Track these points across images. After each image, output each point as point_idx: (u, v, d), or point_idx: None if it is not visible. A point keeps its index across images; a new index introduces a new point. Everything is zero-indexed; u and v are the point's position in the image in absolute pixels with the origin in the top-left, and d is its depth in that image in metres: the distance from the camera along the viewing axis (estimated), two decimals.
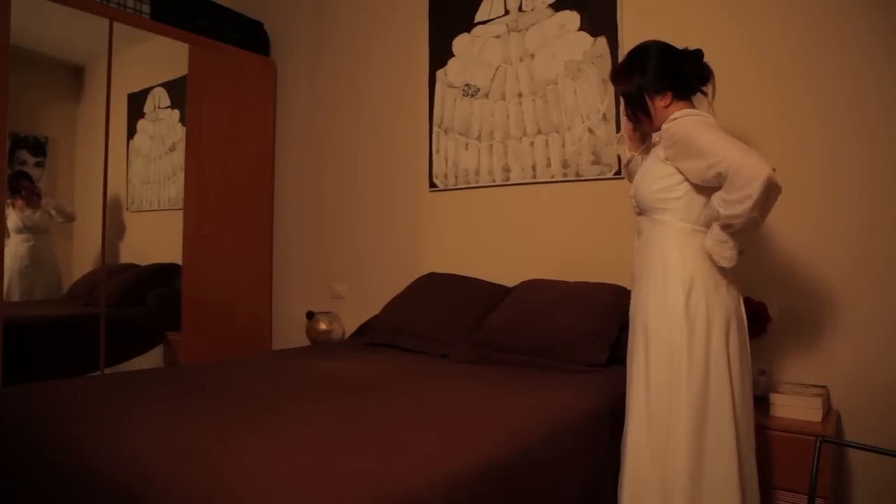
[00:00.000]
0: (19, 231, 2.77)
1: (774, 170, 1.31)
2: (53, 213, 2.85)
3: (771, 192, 1.32)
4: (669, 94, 1.55)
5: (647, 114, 1.58)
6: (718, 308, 1.44)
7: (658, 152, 1.55)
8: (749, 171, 1.30)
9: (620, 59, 2.31)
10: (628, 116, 1.66)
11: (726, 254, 1.42)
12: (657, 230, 1.52)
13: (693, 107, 1.58)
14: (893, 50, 1.85)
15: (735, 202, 1.33)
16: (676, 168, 1.48)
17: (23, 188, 2.75)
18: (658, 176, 1.52)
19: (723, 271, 1.49)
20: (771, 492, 1.70)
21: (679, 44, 1.62)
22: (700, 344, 1.42)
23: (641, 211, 1.59)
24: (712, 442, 1.40)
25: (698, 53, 1.58)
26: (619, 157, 2.35)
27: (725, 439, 1.39)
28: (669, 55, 1.57)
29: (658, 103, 1.56)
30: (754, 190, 1.29)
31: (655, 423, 1.42)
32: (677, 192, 1.49)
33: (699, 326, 1.42)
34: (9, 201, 2.68)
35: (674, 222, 1.49)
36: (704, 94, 1.61)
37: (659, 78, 1.55)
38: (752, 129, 2.06)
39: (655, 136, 1.66)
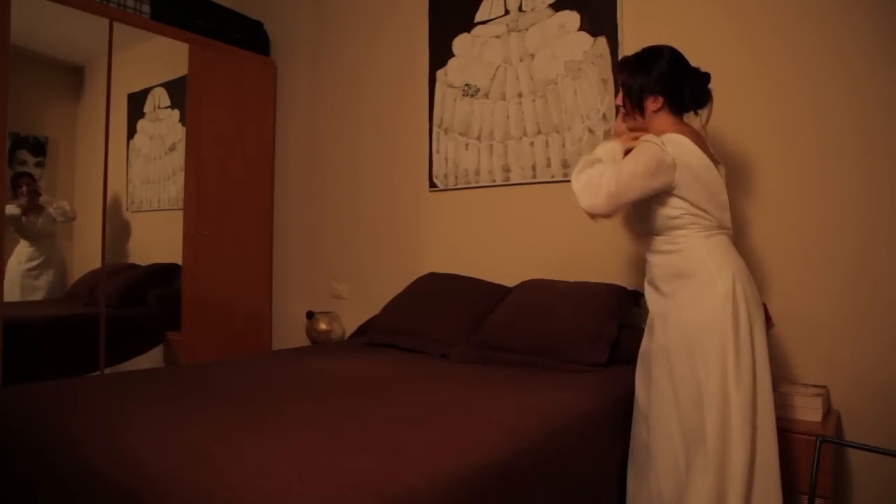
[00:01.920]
0: (24, 237, 2.77)
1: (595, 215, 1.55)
2: (52, 211, 2.85)
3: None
4: (661, 100, 1.57)
5: (639, 110, 1.61)
6: (756, 303, 1.48)
7: None
8: (599, 188, 1.51)
9: (624, 56, 2.32)
10: (621, 106, 1.68)
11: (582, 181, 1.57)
12: (682, 242, 1.53)
13: (681, 123, 1.60)
14: (891, 52, 1.85)
15: (590, 185, 1.54)
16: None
17: (24, 184, 2.75)
18: (658, 203, 1.53)
19: (747, 271, 1.53)
20: None
21: (678, 44, 1.63)
22: (746, 339, 1.44)
23: (655, 233, 1.60)
24: (761, 437, 1.43)
25: (706, 77, 1.60)
26: None
27: (770, 433, 1.43)
28: (679, 66, 1.59)
29: (649, 104, 1.59)
30: (584, 197, 1.54)
31: (711, 420, 1.42)
32: (678, 211, 1.51)
33: (743, 321, 1.44)
34: (12, 204, 2.68)
35: (692, 234, 1.51)
36: (696, 114, 1.63)
37: (659, 82, 1.57)
38: (751, 131, 2.06)
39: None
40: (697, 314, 1.47)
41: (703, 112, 1.62)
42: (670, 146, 1.48)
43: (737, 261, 1.52)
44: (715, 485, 1.39)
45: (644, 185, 1.47)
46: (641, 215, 1.61)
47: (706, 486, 1.39)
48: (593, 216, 1.55)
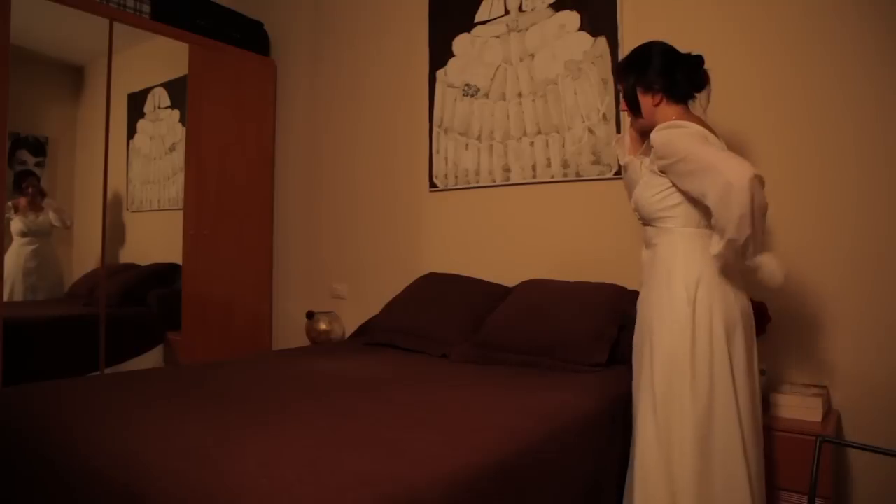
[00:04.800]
0: (22, 234, 2.77)
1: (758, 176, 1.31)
2: (52, 216, 2.85)
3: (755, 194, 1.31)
4: (660, 95, 1.57)
5: (637, 111, 1.62)
6: (722, 311, 1.43)
7: (653, 164, 1.56)
8: (735, 188, 1.29)
9: (620, 58, 2.33)
10: (625, 111, 1.69)
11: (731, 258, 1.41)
12: (663, 238, 1.53)
13: (687, 111, 1.59)
14: (891, 53, 1.85)
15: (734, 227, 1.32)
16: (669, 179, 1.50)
17: (30, 186, 2.75)
18: (655, 187, 1.53)
19: (729, 273, 1.49)
20: (771, 492, 1.70)
21: (677, 43, 1.63)
22: (703, 352, 1.41)
23: (646, 221, 1.60)
24: (720, 450, 1.39)
25: (698, 59, 1.59)
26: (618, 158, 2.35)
27: (733, 447, 1.39)
28: (669, 57, 1.59)
29: (648, 101, 1.59)
30: (744, 205, 1.28)
31: (662, 429, 1.42)
32: (675, 199, 1.50)
33: (702, 332, 1.42)
34: (11, 204, 2.68)
35: (677, 228, 1.50)
36: (695, 98, 1.62)
37: (654, 77, 1.57)
38: (751, 130, 2.06)
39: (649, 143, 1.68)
40: (657, 314, 1.47)
41: (703, 95, 1.62)
42: (684, 128, 1.47)
43: (711, 269, 1.45)
44: (662, 477, 1.39)
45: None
46: (640, 200, 1.59)
47: (652, 480, 1.40)
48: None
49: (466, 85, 2.80)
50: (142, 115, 3.16)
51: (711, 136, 1.49)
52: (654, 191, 1.53)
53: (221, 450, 1.11)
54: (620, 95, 1.69)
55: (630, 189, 1.79)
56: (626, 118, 2.31)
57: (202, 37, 3.24)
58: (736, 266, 1.46)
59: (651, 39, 1.65)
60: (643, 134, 1.73)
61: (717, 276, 1.46)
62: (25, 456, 1.32)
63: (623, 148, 1.79)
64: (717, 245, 1.39)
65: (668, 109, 1.57)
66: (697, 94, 1.61)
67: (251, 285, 3.51)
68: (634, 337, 1.60)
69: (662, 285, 1.48)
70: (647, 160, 1.71)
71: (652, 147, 1.52)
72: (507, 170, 2.67)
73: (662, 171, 1.50)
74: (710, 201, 1.35)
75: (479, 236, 2.77)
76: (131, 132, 3.10)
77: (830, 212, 1.94)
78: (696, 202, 1.47)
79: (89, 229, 2.89)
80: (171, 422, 1.30)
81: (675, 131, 1.47)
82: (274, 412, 1.39)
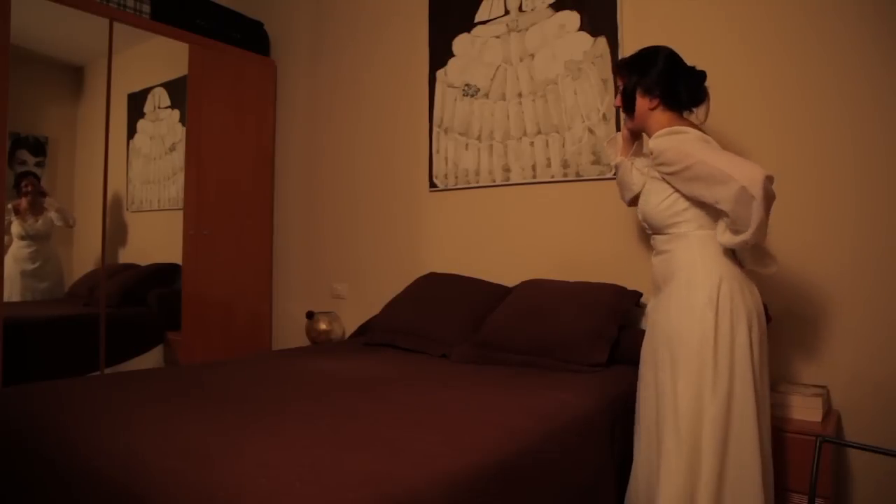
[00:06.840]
0: (22, 238, 2.77)
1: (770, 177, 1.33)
2: (54, 216, 2.84)
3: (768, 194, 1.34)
4: (658, 100, 1.57)
5: (631, 111, 1.62)
6: (743, 309, 1.44)
7: (653, 171, 1.56)
8: (751, 193, 1.30)
9: (623, 56, 2.32)
10: (619, 108, 1.69)
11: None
12: (677, 243, 1.52)
13: (680, 117, 1.59)
14: (890, 53, 1.85)
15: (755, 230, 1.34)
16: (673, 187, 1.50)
17: (29, 184, 2.75)
18: (660, 194, 1.53)
19: (745, 274, 1.50)
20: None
21: (677, 43, 1.63)
22: (725, 347, 1.40)
23: (656, 230, 1.59)
24: (735, 445, 1.39)
25: (702, 75, 1.60)
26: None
27: (749, 442, 1.38)
28: (674, 65, 1.59)
29: (645, 103, 1.59)
30: (759, 207, 1.30)
31: (684, 427, 1.40)
32: (684, 204, 1.50)
33: (724, 329, 1.41)
34: (11, 206, 2.68)
35: (691, 231, 1.50)
36: (692, 111, 1.63)
37: (655, 81, 1.57)
38: (750, 131, 2.06)
39: (646, 150, 1.68)
40: (676, 320, 1.46)
41: (700, 109, 1.62)
42: (685, 134, 1.47)
43: (730, 268, 1.47)
44: (685, 488, 1.38)
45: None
46: (647, 210, 1.59)
47: (674, 490, 1.38)
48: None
49: (466, 85, 2.80)
50: (142, 115, 3.16)
51: (711, 140, 1.49)
52: (660, 198, 1.53)
53: (221, 450, 1.11)
54: (617, 91, 1.69)
55: (622, 188, 1.80)
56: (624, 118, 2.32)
57: (202, 37, 3.24)
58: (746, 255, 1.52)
59: (652, 41, 1.66)
60: (634, 135, 1.74)
61: (735, 275, 1.47)
62: (25, 456, 1.32)
63: (615, 148, 1.79)
64: (725, 236, 1.42)
65: (661, 116, 1.58)
66: (695, 109, 1.61)
67: (251, 285, 3.51)
68: (644, 344, 1.59)
69: (682, 290, 1.47)
70: (638, 161, 1.72)
71: (651, 153, 1.52)
72: (507, 170, 2.67)
73: (664, 178, 1.51)
74: (726, 206, 1.36)
75: (479, 236, 2.77)
76: (131, 132, 3.10)
77: (830, 212, 1.94)
78: (703, 205, 1.47)
79: (89, 229, 2.89)
80: (170, 422, 1.30)
81: (676, 137, 1.47)
82: (274, 412, 1.39)
